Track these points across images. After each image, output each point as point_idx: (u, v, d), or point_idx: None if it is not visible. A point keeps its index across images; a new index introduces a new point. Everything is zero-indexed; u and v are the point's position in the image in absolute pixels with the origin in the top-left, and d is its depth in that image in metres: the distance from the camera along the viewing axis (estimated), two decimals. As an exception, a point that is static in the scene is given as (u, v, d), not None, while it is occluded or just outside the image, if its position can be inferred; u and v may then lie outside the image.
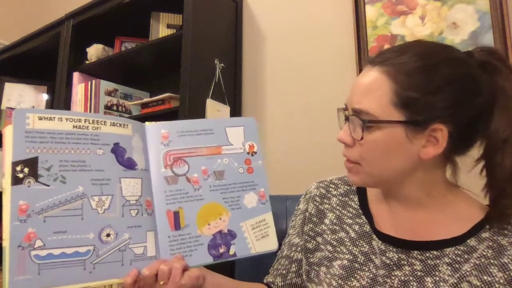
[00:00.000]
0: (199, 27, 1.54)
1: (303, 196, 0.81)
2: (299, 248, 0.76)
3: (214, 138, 0.67)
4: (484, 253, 0.59)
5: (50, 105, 2.31)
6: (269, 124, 1.65)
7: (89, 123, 0.58)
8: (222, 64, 1.61)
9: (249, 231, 0.65)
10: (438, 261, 0.61)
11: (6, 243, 0.50)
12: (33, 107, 2.36)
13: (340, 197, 0.76)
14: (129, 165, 0.60)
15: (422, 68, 0.58)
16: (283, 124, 1.61)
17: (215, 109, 1.55)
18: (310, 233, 0.75)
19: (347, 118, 0.64)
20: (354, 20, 1.47)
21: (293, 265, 0.75)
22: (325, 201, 0.77)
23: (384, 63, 0.60)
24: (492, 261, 0.58)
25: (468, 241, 0.61)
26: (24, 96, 2.39)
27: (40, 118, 0.55)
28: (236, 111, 1.67)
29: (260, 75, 1.71)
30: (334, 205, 0.75)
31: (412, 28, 1.36)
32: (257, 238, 0.65)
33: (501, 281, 0.56)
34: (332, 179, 0.80)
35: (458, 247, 0.61)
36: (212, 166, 0.65)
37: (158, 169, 0.62)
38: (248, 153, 0.68)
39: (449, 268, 0.59)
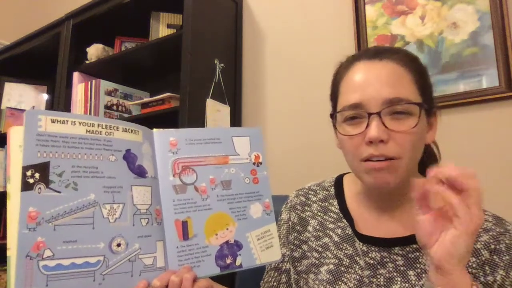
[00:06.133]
0: (199, 27, 1.54)
1: (284, 206, 0.81)
2: (287, 258, 0.76)
3: (221, 148, 0.66)
4: None
5: (50, 105, 2.31)
6: (269, 124, 1.65)
7: (102, 128, 0.56)
8: (222, 64, 1.61)
9: (255, 241, 0.64)
10: (418, 254, 0.63)
11: (12, 252, 0.47)
12: (33, 107, 2.36)
13: (320, 203, 0.76)
14: (140, 172, 0.58)
15: (416, 60, 0.66)
16: (283, 124, 1.61)
17: (215, 109, 1.55)
18: (295, 242, 0.75)
19: (376, 114, 0.59)
20: (354, 20, 1.47)
21: (283, 276, 0.76)
22: (306, 208, 0.77)
23: (391, 56, 0.64)
24: None
25: None
26: (24, 96, 2.39)
27: (53, 121, 0.52)
28: (236, 111, 1.67)
29: (260, 75, 1.71)
30: (315, 212, 0.76)
31: (412, 28, 1.36)
32: (262, 248, 0.64)
33: (474, 265, 0.59)
34: (310, 185, 0.80)
35: None
36: (219, 176, 0.64)
37: (166, 177, 0.61)
38: (254, 163, 0.67)
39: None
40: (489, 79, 1.20)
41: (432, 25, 1.32)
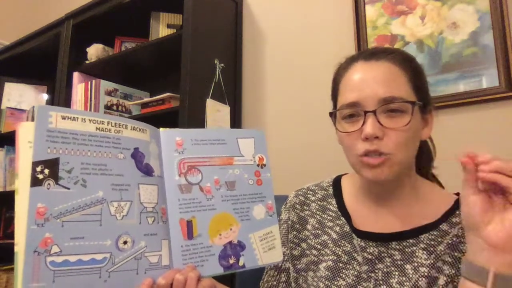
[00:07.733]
0: (199, 27, 1.54)
1: (284, 206, 0.83)
2: (286, 257, 0.77)
3: (226, 149, 0.66)
4: (456, 233, 0.64)
5: (50, 105, 2.31)
6: (269, 124, 1.65)
7: (111, 125, 0.56)
8: (222, 64, 1.61)
9: (257, 242, 0.64)
10: (414, 248, 0.65)
11: (20, 248, 0.47)
12: (33, 107, 2.36)
13: (318, 202, 0.78)
14: (147, 171, 0.58)
15: (411, 60, 0.68)
16: (283, 124, 1.61)
17: (215, 109, 1.55)
18: (295, 240, 0.77)
19: (372, 112, 0.62)
20: (354, 20, 1.47)
21: (283, 275, 0.76)
22: (305, 207, 0.79)
23: (386, 57, 0.66)
24: (462, 240, 0.63)
25: (440, 226, 0.65)
26: (24, 96, 2.39)
27: (63, 118, 0.53)
28: (236, 111, 1.67)
29: (260, 75, 1.71)
30: (314, 211, 0.77)
31: (412, 28, 1.36)
32: (264, 249, 0.65)
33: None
34: (309, 186, 0.82)
35: (432, 233, 0.65)
36: (224, 176, 0.65)
37: (172, 176, 0.61)
38: (258, 165, 0.69)
39: (425, 252, 0.64)
40: (489, 79, 1.20)
41: (432, 25, 1.32)
